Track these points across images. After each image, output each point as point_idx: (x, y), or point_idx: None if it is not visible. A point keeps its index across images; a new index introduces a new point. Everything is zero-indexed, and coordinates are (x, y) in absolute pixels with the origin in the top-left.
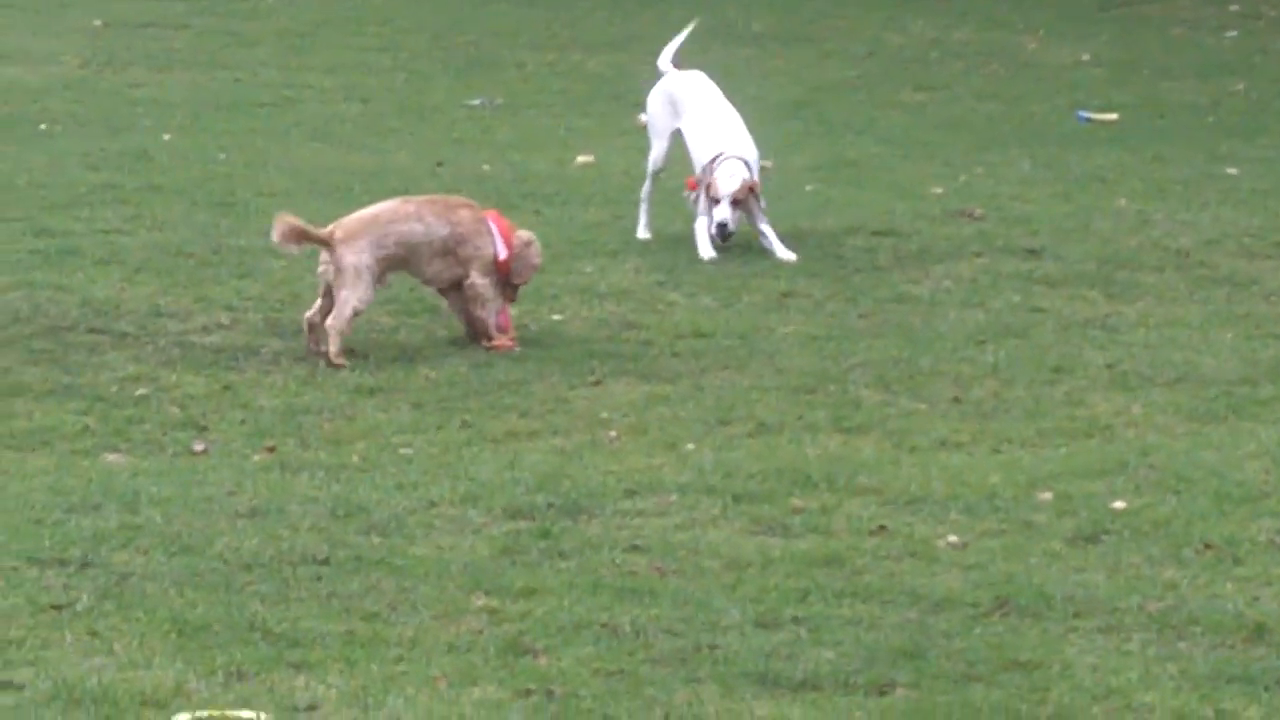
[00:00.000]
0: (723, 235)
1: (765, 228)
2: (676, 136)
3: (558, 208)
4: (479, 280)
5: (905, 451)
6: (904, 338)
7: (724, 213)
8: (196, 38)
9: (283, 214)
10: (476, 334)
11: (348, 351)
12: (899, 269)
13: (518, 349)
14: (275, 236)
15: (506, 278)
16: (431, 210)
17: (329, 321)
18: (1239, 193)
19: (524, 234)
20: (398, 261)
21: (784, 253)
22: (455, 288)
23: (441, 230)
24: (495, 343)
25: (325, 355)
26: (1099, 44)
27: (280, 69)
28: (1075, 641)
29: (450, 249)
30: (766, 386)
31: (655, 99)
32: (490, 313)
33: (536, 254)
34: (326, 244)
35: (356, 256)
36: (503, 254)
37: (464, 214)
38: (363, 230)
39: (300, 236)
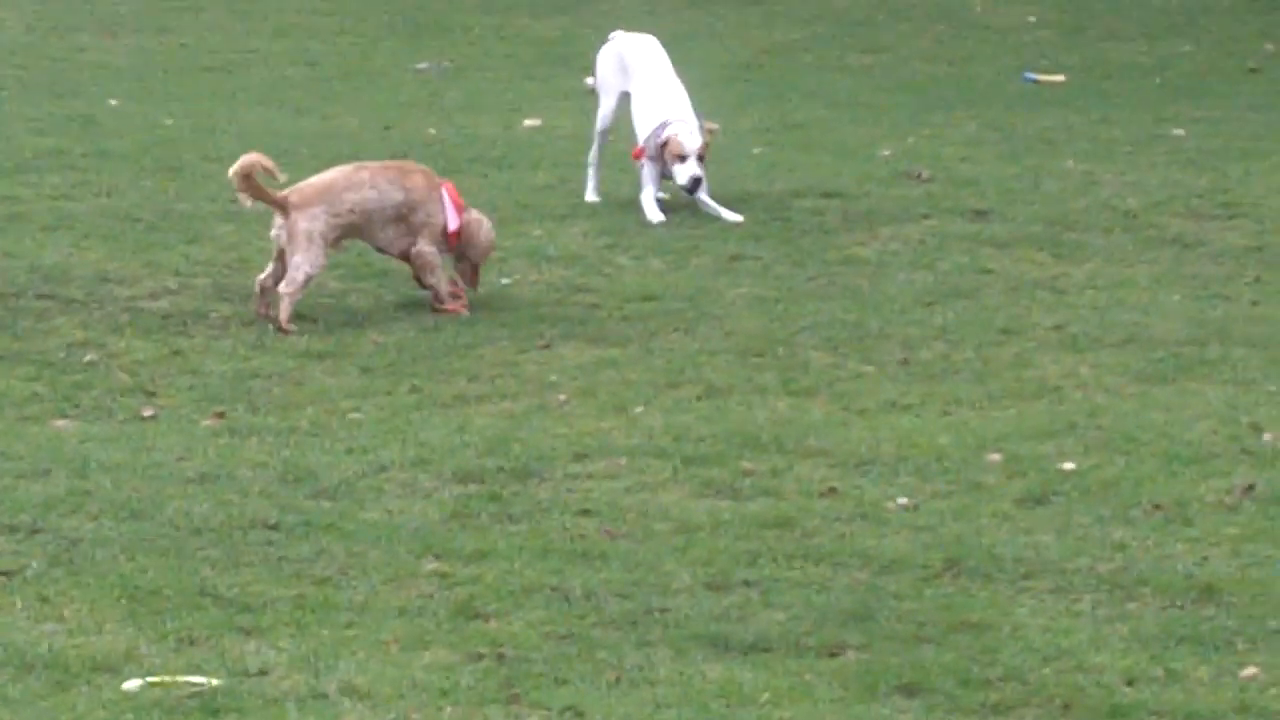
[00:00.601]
0: (694, 189)
1: (706, 196)
2: (624, 98)
3: (505, 171)
4: (425, 248)
5: (854, 414)
6: (852, 300)
7: (693, 167)
8: (143, 2)
9: (252, 154)
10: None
11: (296, 317)
12: (847, 231)
13: (466, 313)
14: (234, 173)
15: (455, 250)
16: (385, 177)
17: (281, 287)
18: (1186, 154)
19: (475, 213)
20: (352, 229)
21: (730, 215)
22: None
23: (395, 196)
24: (446, 306)
25: (275, 320)
26: (1045, 5)
27: (226, 33)
28: (1025, 603)
29: (403, 216)
30: (715, 349)
31: (605, 59)
32: (440, 279)
33: (488, 233)
34: (281, 208)
35: (310, 223)
36: (453, 225)
37: (418, 180)
38: (317, 197)
39: (255, 193)
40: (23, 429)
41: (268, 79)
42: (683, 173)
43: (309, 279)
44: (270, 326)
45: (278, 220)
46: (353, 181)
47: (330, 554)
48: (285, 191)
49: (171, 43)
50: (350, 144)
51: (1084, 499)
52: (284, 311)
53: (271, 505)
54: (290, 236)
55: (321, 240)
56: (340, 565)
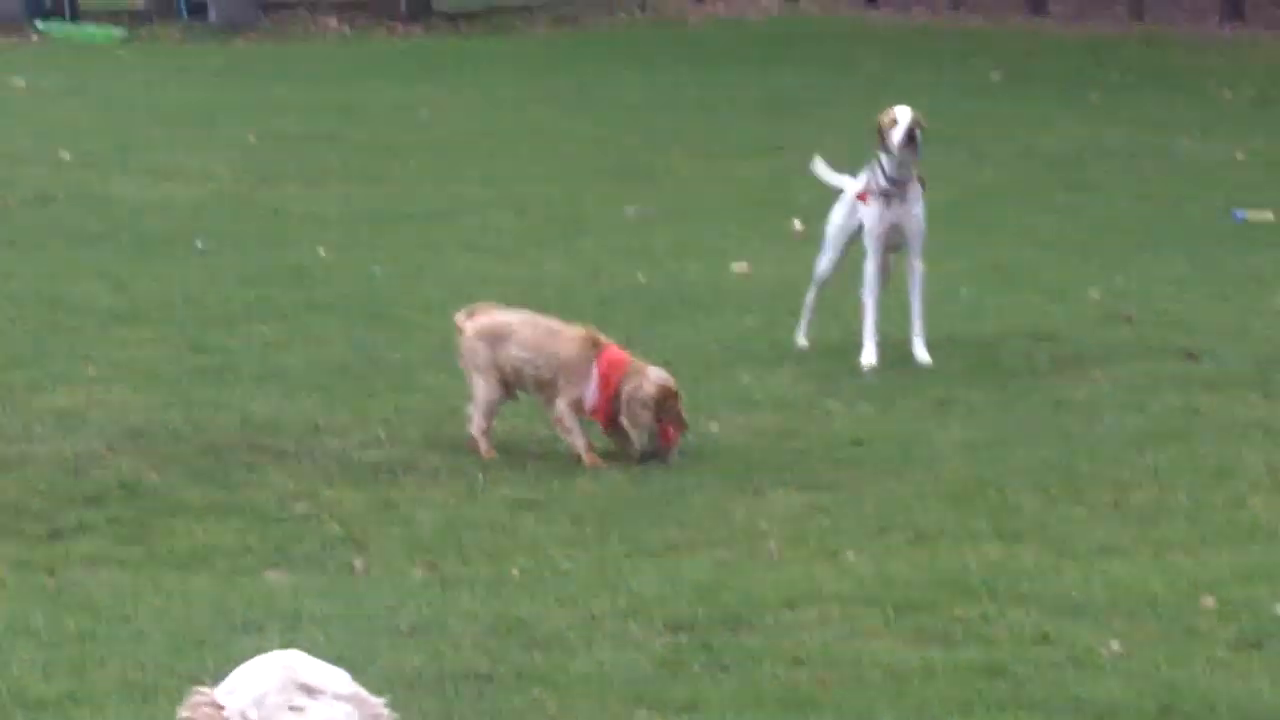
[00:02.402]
0: (910, 138)
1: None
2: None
3: (713, 316)
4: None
5: (1066, 558)
6: (1063, 442)
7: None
8: (350, 150)
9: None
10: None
11: (505, 463)
12: (1056, 373)
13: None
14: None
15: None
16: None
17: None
18: None
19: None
20: None
21: (921, 350)
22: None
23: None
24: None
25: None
26: (1253, 142)
27: (434, 181)
28: None
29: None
30: (925, 494)
31: (837, 210)
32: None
33: (646, 389)
34: None
35: None
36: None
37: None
38: None
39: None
40: (235, 581)
41: (475, 226)
42: (898, 132)
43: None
44: (480, 475)
45: None
46: None
47: (543, 705)
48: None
49: (379, 192)
50: (558, 291)
51: None
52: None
53: (483, 656)
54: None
55: None
56: (553, 716)
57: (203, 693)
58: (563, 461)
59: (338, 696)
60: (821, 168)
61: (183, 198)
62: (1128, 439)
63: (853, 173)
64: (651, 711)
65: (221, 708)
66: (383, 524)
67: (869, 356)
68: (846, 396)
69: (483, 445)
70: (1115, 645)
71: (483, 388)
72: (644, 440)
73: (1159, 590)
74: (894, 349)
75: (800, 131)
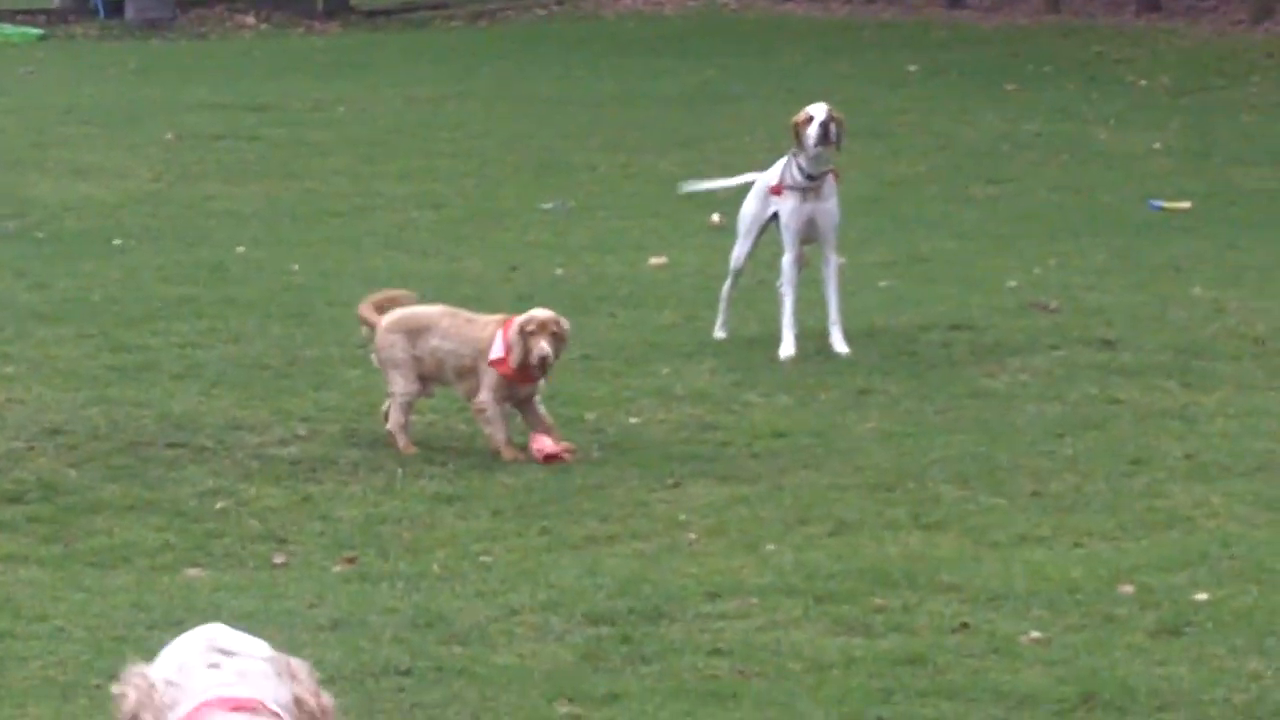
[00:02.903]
0: (824, 137)
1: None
2: (760, 238)
3: (632, 310)
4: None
5: (986, 547)
6: (981, 432)
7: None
8: (269, 148)
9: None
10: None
11: (424, 458)
12: (975, 363)
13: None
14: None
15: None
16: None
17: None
18: None
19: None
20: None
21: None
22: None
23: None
24: (551, 452)
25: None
26: (1170, 132)
27: (352, 177)
28: None
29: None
30: (845, 485)
31: (750, 201)
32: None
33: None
34: None
35: None
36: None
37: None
38: None
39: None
40: (155, 579)
41: (393, 222)
42: (813, 129)
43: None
44: (399, 470)
45: None
46: None
47: (463, 699)
48: None
49: (297, 188)
50: (476, 286)
51: (1218, 630)
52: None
53: (403, 651)
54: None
55: None
56: (473, 710)
57: (135, 669)
58: (482, 456)
59: (251, 657)
60: (698, 185)
61: (101, 196)
62: (1046, 428)
63: (764, 169)
64: (572, 704)
65: (149, 677)
66: (302, 520)
67: (787, 348)
68: (766, 388)
69: (401, 440)
70: (1035, 633)
71: (400, 382)
72: (515, 360)
73: (1078, 578)
74: (813, 340)
75: (719, 125)
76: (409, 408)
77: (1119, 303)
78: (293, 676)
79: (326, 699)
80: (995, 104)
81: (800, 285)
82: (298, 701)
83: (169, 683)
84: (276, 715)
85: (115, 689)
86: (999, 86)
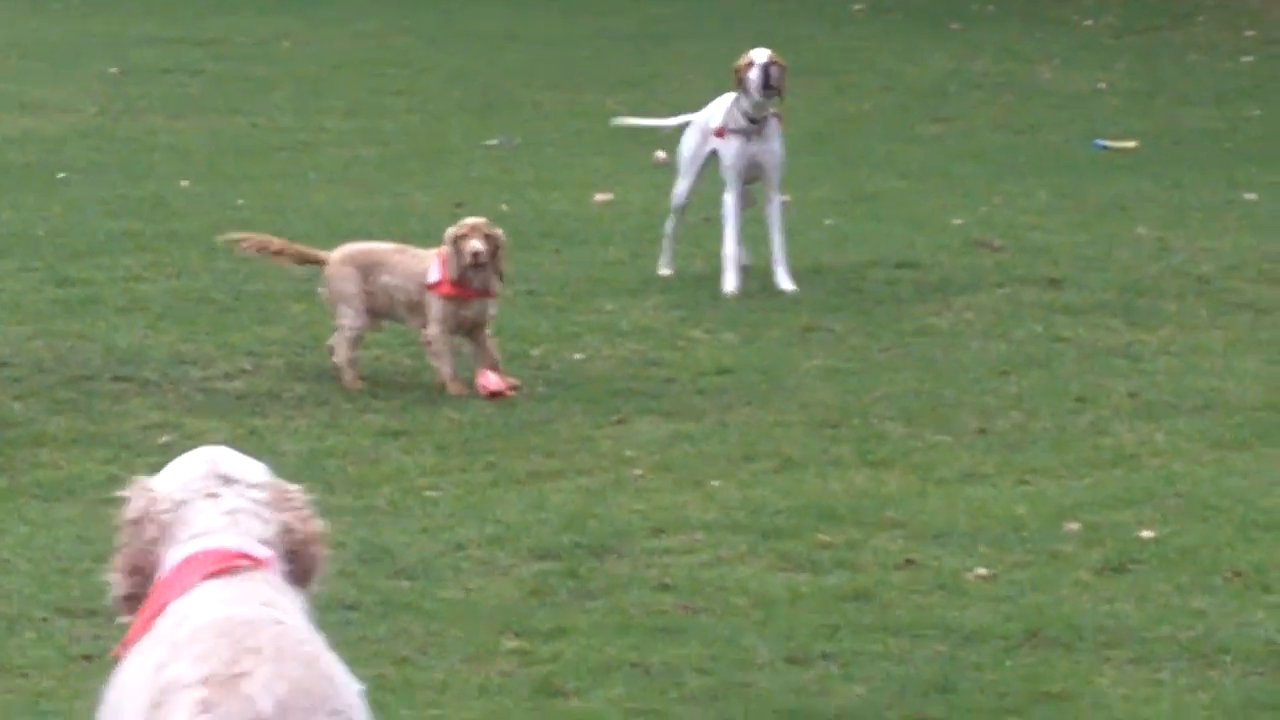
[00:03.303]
0: (766, 84)
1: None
2: (700, 176)
3: (577, 246)
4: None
5: (931, 484)
6: (927, 370)
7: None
8: (213, 83)
9: None
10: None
11: (370, 393)
12: (920, 301)
13: (510, 393)
14: None
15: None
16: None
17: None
18: (1258, 218)
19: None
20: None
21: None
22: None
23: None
24: (495, 389)
25: None
26: (1115, 72)
27: (297, 113)
28: (1106, 672)
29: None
30: (790, 422)
31: (688, 138)
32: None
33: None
34: None
35: None
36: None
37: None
38: None
39: None
40: (100, 512)
41: (339, 158)
42: (754, 74)
43: None
44: (345, 405)
45: None
46: None
47: (409, 633)
48: None
49: (242, 123)
50: (422, 222)
51: (1163, 567)
52: None
53: (350, 585)
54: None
55: None
56: (420, 644)
57: (142, 481)
58: (427, 391)
59: (250, 485)
60: (630, 120)
61: (45, 130)
62: (991, 366)
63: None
64: (519, 638)
65: (155, 490)
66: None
67: (729, 284)
68: (710, 325)
69: (348, 375)
70: (981, 570)
71: (350, 316)
72: (452, 269)
73: (1024, 515)
74: (758, 278)
75: (665, 64)
76: (356, 342)
77: (1064, 241)
78: (286, 502)
79: (316, 524)
80: (941, 43)
81: (747, 222)
82: (287, 529)
83: (173, 501)
84: (258, 562)
85: (122, 493)
86: (945, 26)
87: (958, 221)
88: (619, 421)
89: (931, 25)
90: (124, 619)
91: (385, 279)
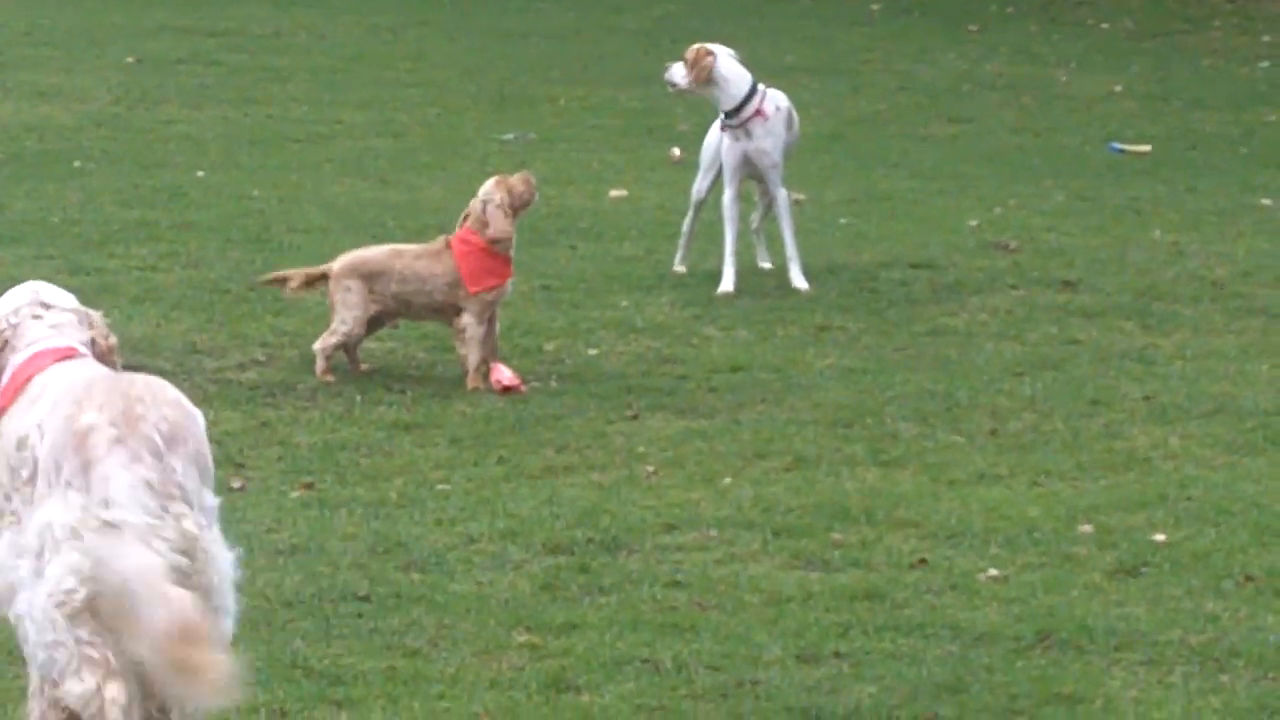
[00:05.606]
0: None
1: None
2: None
3: (592, 242)
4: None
5: (944, 485)
6: (941, 370)
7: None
8: (229, 74)
9: None
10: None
11: (383, 386)
12: (934, 302)
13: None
14: None
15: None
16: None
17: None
18: (1273, 223)
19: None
20: None
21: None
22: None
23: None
24: (509, 384)
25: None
26: (1131, 75)
27: (313, 105)
28: (1117, 675)
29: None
30: (804, 420)
31: (711, 135)
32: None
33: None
34: None
35: None
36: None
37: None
38: None
39: None
40: None
41: (353, 150)
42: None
43: None
44: (358, 397)
45: None
46: None
47: (421, 626)
48: None
49: (258, 114)
50: (436, 215)
51: (1175, 570)
52: None
53: (362, 577)
54: None
55: None
56: (431, 637)
57: None
58: (440, 384)
59: (64, 309)
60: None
61: (61, 119)
62: (1005, 367)
63: None
64: (530, 633)
65: None
66: (260, 445)
67: (726, 284)
68: (725, 322)
69: (320, 365)
70: (993, 571)
71: (348, 323)
72: (495, 229)
73: (1036, 517)
74: (773, 276)
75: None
76: (341, 345)
77: (1079, 244)
78: (90, 325)
79: (113, 339)
80: (957, 44)
81: (767, 225)
82: (93, 343)
83: (9, 323)
84: (86, 356)
85: None
86: (962, 27)
87: (973, 222)
88: (632, 417)
89: (948, 26)
90: None
91: (394, 287)
